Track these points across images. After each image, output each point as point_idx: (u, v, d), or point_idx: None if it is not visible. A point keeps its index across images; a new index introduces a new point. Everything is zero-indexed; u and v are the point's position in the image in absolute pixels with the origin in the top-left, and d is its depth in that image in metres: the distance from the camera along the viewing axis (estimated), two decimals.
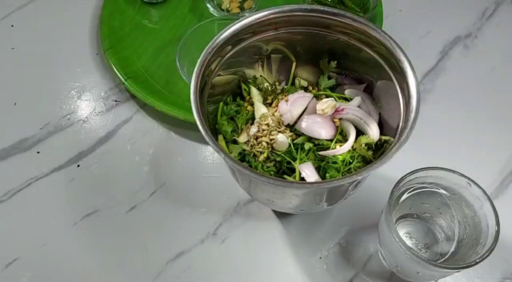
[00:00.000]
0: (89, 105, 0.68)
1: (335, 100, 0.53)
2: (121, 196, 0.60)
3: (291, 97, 0.53)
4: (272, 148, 0.51)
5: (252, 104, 0.55)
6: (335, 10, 0.50)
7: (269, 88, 0.56)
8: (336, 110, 0.51)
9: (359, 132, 0.51)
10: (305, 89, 0.56)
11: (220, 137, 0.53)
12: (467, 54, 0.72)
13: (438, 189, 0.50)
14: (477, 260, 0.43)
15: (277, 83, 0.57)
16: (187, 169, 0.62)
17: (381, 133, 0.51)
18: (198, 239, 0.57)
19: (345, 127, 0.51)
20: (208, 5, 0.73)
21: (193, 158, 0.63)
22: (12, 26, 0.76)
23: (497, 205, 0.45)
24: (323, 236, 0.57)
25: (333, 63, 0.55)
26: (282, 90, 0.56)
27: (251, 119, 0.54)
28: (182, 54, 0.63)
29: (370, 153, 0.50)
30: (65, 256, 0.56)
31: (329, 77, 0.56)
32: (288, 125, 0.52)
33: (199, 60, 0.48)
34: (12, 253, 0.56)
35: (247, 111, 0.54)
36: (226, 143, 0.52)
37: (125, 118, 0.66)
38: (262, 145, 0.51)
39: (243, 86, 0.56)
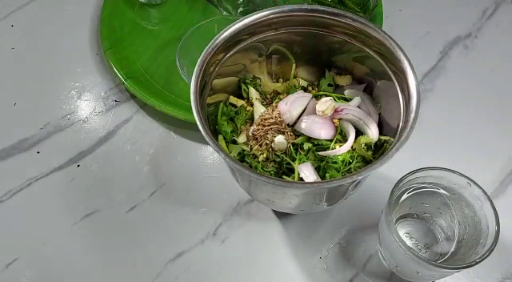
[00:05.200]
0: (89, 105, 0.68)
1: (335, 100, 0.53)
2: (121, 196, 0.60)
3: (291, 97, 0.53)
4: (272, 148, 0.51)
5: (251, 104, 0.55)
6: (335, 10, 0.50)
7: (269, 88, 0.56)
8: (336, 111, 0.51)
9: (359, 133, 0.51)
10: (305, 89, 0.56)
11: (220, 137, 0.53)
12: (467, 54, 0.72)
13: (438, 189, 0.50)
14: (477, 260, 0.43)
15: (276, 83, 0.57)
16: (187, 169, 0.62)
17: (381, 133, 0.51)
18: (198, 239, 0.57)
19: (344, 128, 0.51)
20: (221, 9, 0.72)
21: (193, 158, 0.63)
22: (12, 26, 0.76)
23: (497, 205, 0.45)
24: (323, 236, 0.57)
25: (333, 73, 0.56)
26: (282, 90, 0.56)
27: (251, 119, 0.54)
28: (182, 54, 0.63)
29: (370, 153, 0.50)
30: (65, 256, 0.56)
31: (330, 85, 0.56)
32: (287, 126, 0.52)
33: (199, 60, 0.48)
34: (12, 253, 0.56)
35: (246, 112, 0.54)
36: (226, 143, 0.52)
37: (125, 118, 0.66)
38: (261, 145, 0.51)
39: (243, 86, 0.56)
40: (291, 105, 0.52)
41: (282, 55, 0.56)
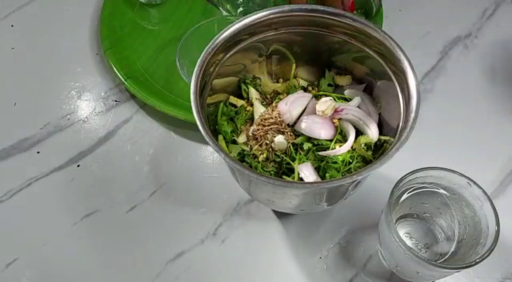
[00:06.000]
0: (89, 105, 0.68)
1: (335, 100, 0.53)
2: (121, 196, 0.60)
3: (291, 97, 0.53)
4: (272, 148, 0.51)
5: (251, 104, 0.55)
6: (335, 10, 0.50)
7: (269, 88, 0.56)
8: (336, 111, 0.51)
9: (359, 133, 0.51)
10: (305, 89, 0.56)
11: (220, 137, 0.53)
12: (467, 54, 0.72)
13: (438, 189, 0.50)
14: (477, 260, 0.43)
15: (277, 83, 0.57)
16: (187, 169, 0.62)
17: (381, 133, 0.51)
18: (198, 239, 0.57)
19: (344, 128, 0.51)
20: (221, 9, 0.72)
21: (193, 158, 0.63)
22: (12, 26, 0.76)
23: (497, 205, 0.45)
24: (323, 236, 0.57)
25: (333, 73, 0.56)
26: (282, 90, 0.56)
27: (251, 119, 0.54)
28: (182, 54, 0.63)
29: (369, 153, 0.50)
30: (65, 256, 0.56)
31: (330, 85, 0.56)
32: (287, 126, 0.52)
33: (199, 60, 0.48)
34: (12, 253, 0.56)
35: (246, 112, 0.54)
36: (226, 143, 0.52)
37: (125, 118, 0.66)
38: (261, 145, 0.51)
39: (243, 86, 0.56)
40: (291, 105, 0.52)
41: (282, 55, 0.56)
